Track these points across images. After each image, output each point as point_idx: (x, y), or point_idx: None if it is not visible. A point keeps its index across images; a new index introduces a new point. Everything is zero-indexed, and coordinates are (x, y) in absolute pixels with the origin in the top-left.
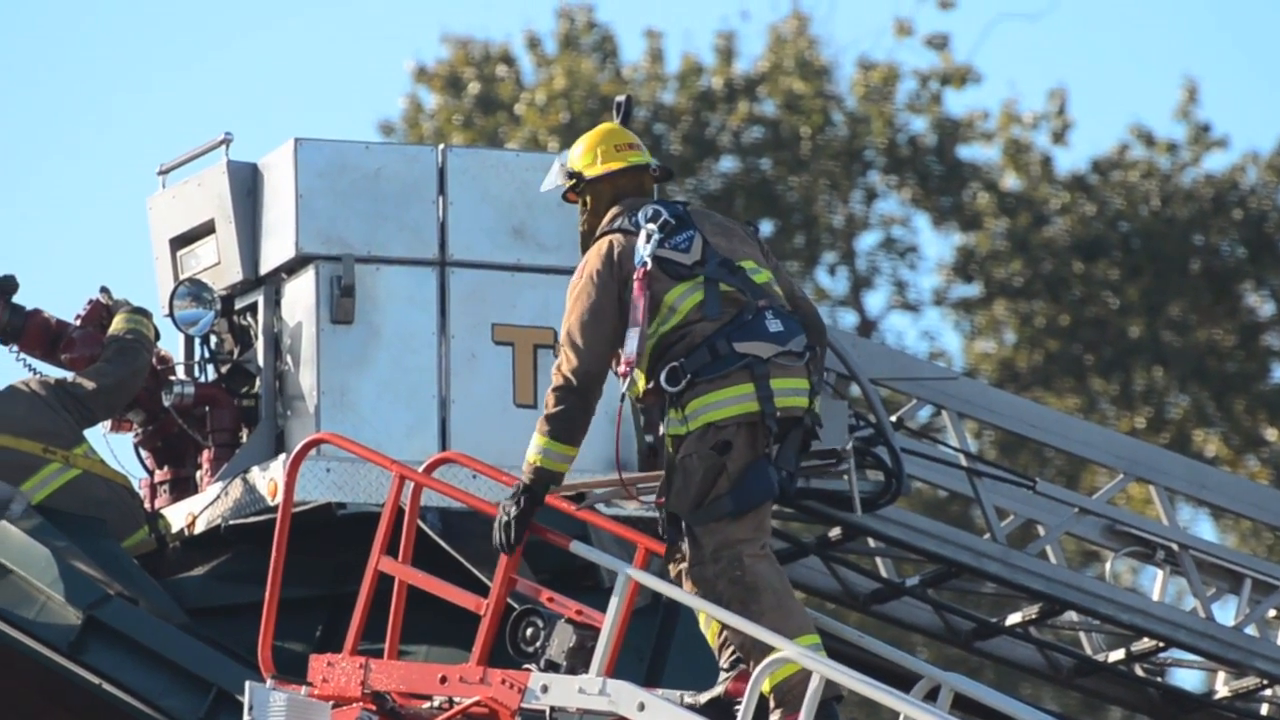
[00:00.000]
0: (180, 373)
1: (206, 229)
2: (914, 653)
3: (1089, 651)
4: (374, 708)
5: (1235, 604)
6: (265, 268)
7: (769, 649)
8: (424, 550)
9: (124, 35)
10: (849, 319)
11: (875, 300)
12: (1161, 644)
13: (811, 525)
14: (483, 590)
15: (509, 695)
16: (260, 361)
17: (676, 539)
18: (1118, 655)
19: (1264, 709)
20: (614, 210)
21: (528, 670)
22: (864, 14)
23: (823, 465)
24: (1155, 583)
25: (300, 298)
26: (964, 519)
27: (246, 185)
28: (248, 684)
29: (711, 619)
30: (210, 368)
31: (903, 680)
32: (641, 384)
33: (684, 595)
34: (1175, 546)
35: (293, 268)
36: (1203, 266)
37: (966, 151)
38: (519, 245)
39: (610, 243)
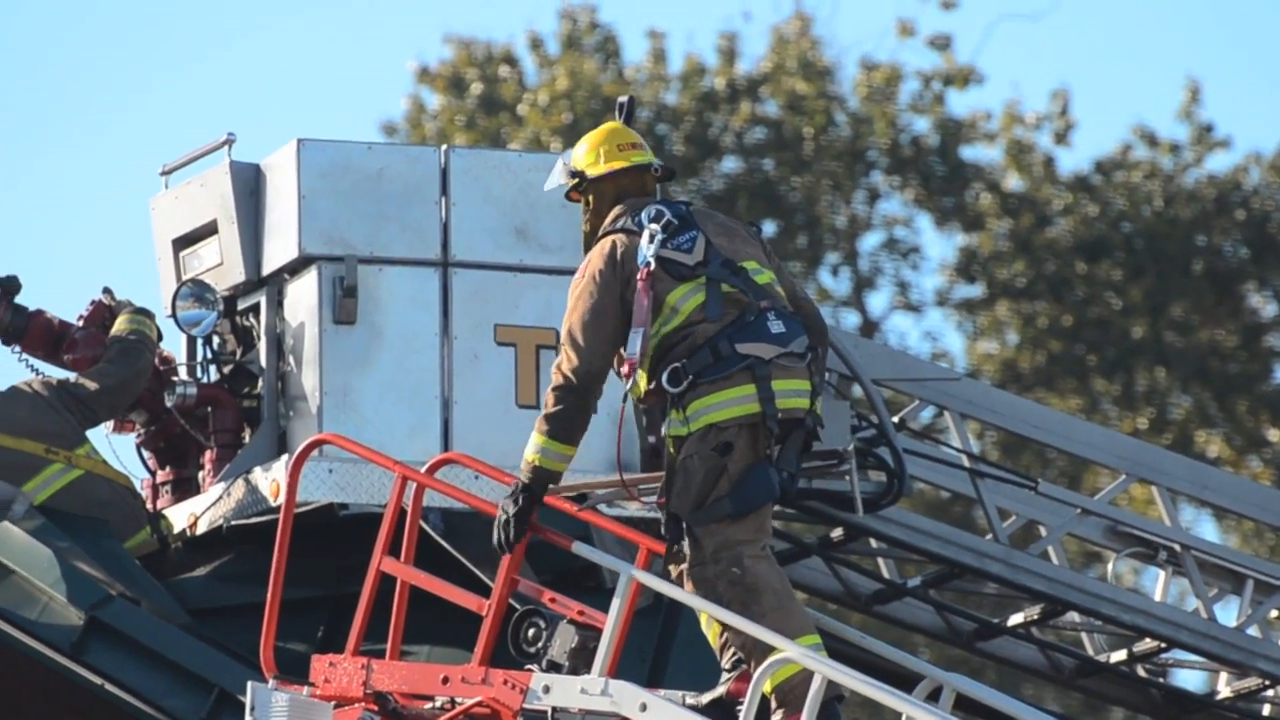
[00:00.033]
0: (183, 373)
1: (209, 229)
2: (916, 653)
3: (1091, 652)
4: (376, 708)
5: (1237, 605)
6: (268, 268)
7: (770, 649)
8: (426, 551)
9: (126, 35)
10: (851, 319)
11: (878, 301)
12: (1163, 645)
13: (813, 526)
14: (485, 591)
15: (511, 696)
16: (263, 362)
17: (677, 540)
18: (1120, 656)
19: (1266, 709)
20: (617, 210)
21: (530, 671)
22: (866, 15)
23: (825, 466)
24: (1157, 583)
25: (303, 298)
26: (966, 520)
27: (249, 186)
28: (250, 684)
29: (713, 620)
30: (213, 368)
31: (905, 681)
32: (643, 385)
33: (685, 596)
34: (1177, 547)
35: (295, 268)
36: (1205, 267)
37: (969, 152)
38: (522, 246)
39: (613, 242)
